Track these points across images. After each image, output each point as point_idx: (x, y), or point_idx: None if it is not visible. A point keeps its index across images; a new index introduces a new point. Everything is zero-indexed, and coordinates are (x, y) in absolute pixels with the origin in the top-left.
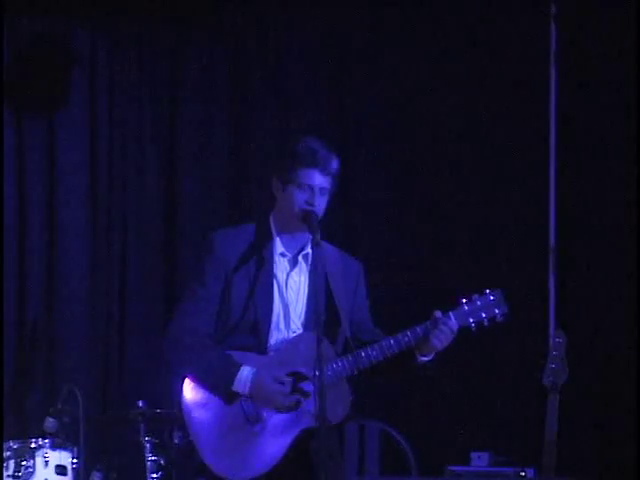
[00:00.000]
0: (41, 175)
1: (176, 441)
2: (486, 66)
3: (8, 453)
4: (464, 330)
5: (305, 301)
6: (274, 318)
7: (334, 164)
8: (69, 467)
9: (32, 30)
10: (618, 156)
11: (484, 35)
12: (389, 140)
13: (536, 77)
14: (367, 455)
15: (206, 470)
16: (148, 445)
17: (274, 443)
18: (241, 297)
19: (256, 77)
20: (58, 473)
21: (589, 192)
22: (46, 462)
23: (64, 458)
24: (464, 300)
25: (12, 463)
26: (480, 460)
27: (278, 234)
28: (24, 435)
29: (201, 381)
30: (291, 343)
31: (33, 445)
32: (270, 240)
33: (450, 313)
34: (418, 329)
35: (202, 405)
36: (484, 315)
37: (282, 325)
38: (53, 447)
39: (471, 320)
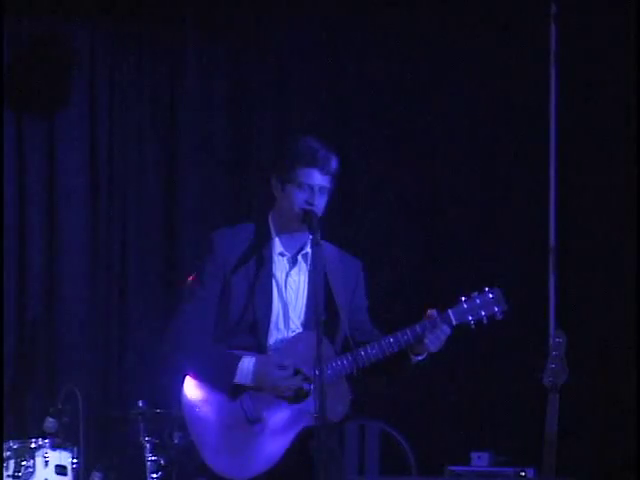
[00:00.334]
0: (41, 175)
1: (176, 441)
2: (486, 66)
3: (8, 453)
4: (464, 330)
5: (305, 301)
6: (273, 318)
7: (333, 163)
8: (69, 467)
9: (32, 30)
10: (618, 156)
11: (484, 35)
12: (389, 140)
13: (536, 77)
14: (367, 455)
15: (206, 470)
16: (148, 445)
17: (274, 442)
18: (240, 297)
19: (256, 77)
20: (58, 473)
21: (589, 192)
22: (46, 462)
23: (64, 458)
24: (463, 298)
25: (12, 463)
26: (480, 460)
27: (277, 234)
28: (24, 435)
29: (203, 378)
30: (290, 342)
31: (33, 445)
32: (269, 240)
33: (449, 311)
34: (417, 328)
35: (202, 405)
36: (483, 313)
37: (281, 325)
38: (53, 447)
39: (470, 318)
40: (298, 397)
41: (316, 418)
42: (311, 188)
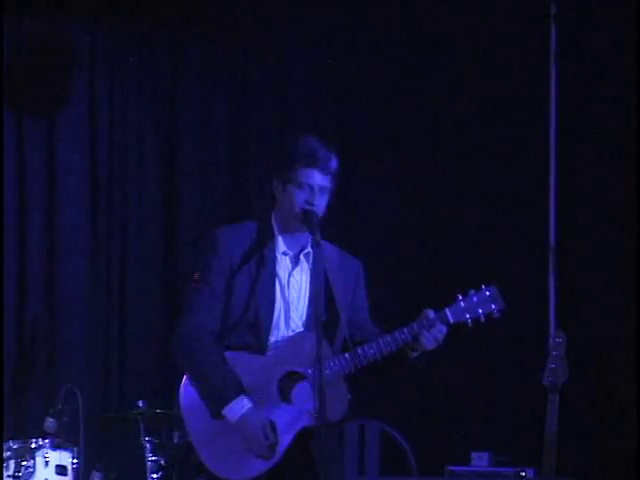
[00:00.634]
0: (41, 175)
1: (176, 441)
2: (486, 66)
3: (8, 453)
4: (464, 330)
5: (306, 300)
6: (275, 317)
7: (333, 163)
8: (69, 467)
9: (32, 30)
10: (618, 156)
11: (484, 35)
12: (389, 140)
13: (536, 77)
14: (367, 455)
15: (205, 470)
16: (148, 445)
17: None
18: (243, 295)
19: (256, 77)
20: (58, 473)
21: (589, 192)
22: (46, 462)
23: (64, 458)
24: (460, 296)
25: (12, 463)
26: (480, 460)
27: (280, 233)
28: (24, 435)
29: (198, 386)
30: (289, 342)
31: (33, 445)
32: (272, 239)
33: (446, 309)
34: (415, 326)
35: (200, 405)
36: (480, 311)
37: (282, 324)
38: (53, 447)
39: (467, 316)
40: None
41: (315, 418)
42: (311, 188)
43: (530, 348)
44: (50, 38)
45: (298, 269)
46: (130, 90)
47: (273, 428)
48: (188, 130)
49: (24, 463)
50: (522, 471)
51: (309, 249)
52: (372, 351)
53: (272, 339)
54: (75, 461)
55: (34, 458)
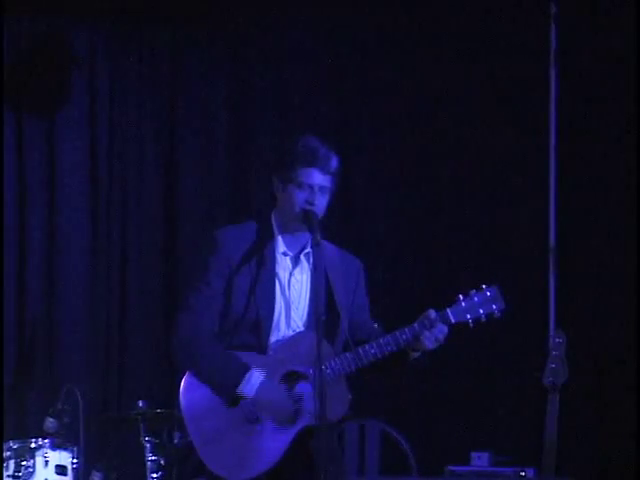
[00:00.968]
0: (41, 175)
1: (176, 441)
2: (486, 66)
3: (8, 453)
4: (465, 330)
5: (307, 300)
6: (275, 317)
7: (334, 163)
8: (69, 467)
9: (32, 30)
10: (618, 156)
11: (484, 35)
12: (389, 140)
13: (536, 77)
14: (367, 455)
15: (205, 470)
16: (148, 445)
17: (273, 442)
18: (243, 295)
19: (256, 77)
20: (58, 473)
21: (589, 192)
22: (46, 462)
23: (64, 458)
24: (461, 296)
25: (12, 463)
26: (480, 460)
27: (280, 233)
28: (24, 435)
29: (207, 381)
30: (289, 342)
31: (33, 445)
32: (272, 239)
33: (447, 309)
34: (416, 326)
35: (201, 405)
36: (482, 311)
37: (283, 324)
38: (53, 447)
39: (468, 316)
40: (287, 422)
41: (316, 418)
42: (311, 188)
43: (530, 348)
44: (50, 38)
45: (298, 269)
46: (130, 90)
47: (290, 394)
48: (188, 130)
49: (24, 463)
50: (522, 471)
51: (309, 249)
52: (373, 351)
53: (273, 339)
54: (75, 461)
55: (34, 458)
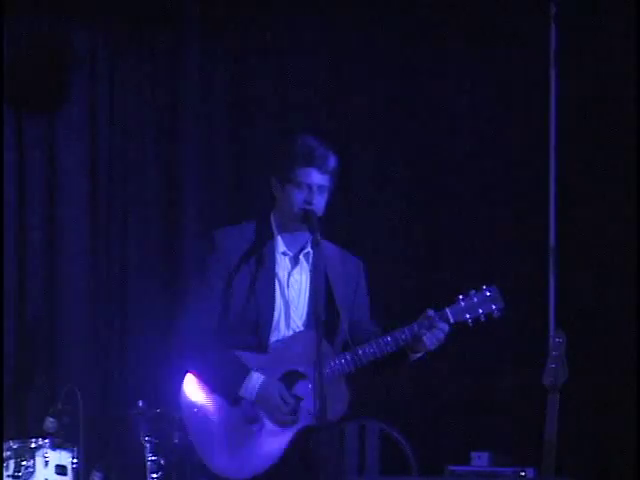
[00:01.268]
0: (41, 175)
1: (176, 441)
2: (486, 66)
3: (8, 453)
4: (465, 330)
5: (307, 300)
6: (275, 317)
7: (332, 162)
8: (69, 467)
9: (32, 30)
10: (618, 156)
11: (484, 35)
12: (389, 139)
13: (536, 77)
14: (367, 455)
15: (206, 470)
16: (148, 445)
17: (272, 442)
18: (242, 296)
19: (256, 77)
20: (58, 473)
21: (589, 192)
22: (46, 462)
23: (64, 458)
24: (461, 296)
25: (12, 463)
26: (480, 460)
27: (279, 233)
28: (24, 435)
29: (207, 383)
30: (289, 342)
31: (33, 445)
32: (271, 239)
33: (446, 309)
34: (415, 327)
35: (200, 405)
36: (481, 311)
37: (283, 324)
38: (53, 447)
39: (468, 316)
40: (286, 425)
41: (315, 417)
42: (310, 187)
43: (530, 348)
44: (50, 38)
45: (298, 269)
46: (130, 90)
47: (290, 394)
48: (188, 130)
49: (24, 463)
50: (522, 471)
51: (309, 249)
52: (372, 351)
53: (273, 339)
54: (75, 461)
55: (34, 458)
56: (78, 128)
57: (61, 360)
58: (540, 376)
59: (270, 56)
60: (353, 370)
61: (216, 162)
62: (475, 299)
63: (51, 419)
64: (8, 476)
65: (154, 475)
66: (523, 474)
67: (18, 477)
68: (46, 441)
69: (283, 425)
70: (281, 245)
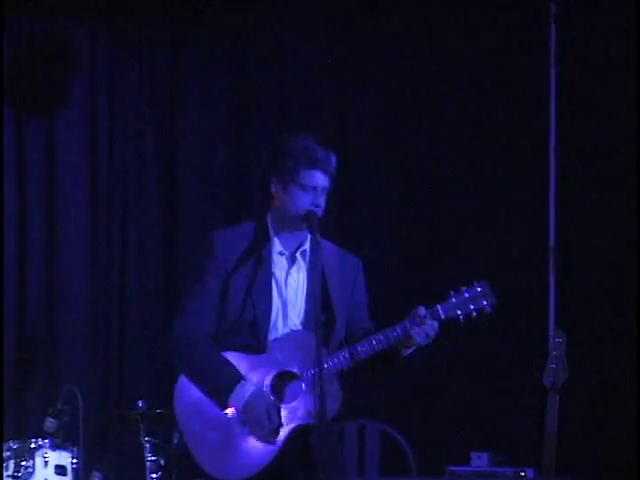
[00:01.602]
0: (41, 175)
1: (175, 441)
2: (486, 66)
3: (8, 453)
4: (464, 330)
5: (304, 299)
6: (273, 317)
7: (333, 163)
8: (69, 467)
9: (32, 30)
10: (618, 156)
11: (484, 35)
12: (389, 139)
13: (536, 77)
14: (367, 455)
15: (205, 470)
16: (148, 445)
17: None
18: (240, 296)
19: (256, 77)
20: (58, 473)
21: (589, 192)
22: (46, 462)
23: (64, 458)
24: (452, 292)
25: (12, 463)
26: (480, 460)
27: (276, 233)
28: (24, 435)
29: (199, 385)
30: (284, 341)
31: (33, 445)
32: (268, 239)
33: (437, 306)
34: (407, 323)
35: (195, 407)
36: (472, 307)
37: (280, 324)
38: (53, 447)
39: (459, 312)
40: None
41: (312, 416)
42: (315, 189)
43: (530, 348)
44: (50, 38)
45: (295, 268)
46: (130, 90)
47: (278, 411)
48: (188, 130)
49: (24, 463)
50: (522, 471)
51: (305, 247)
52: (365, 349)
53: (271, 338)
54: (75, 461)
55: (34, 458)
56: (78, 128)
57: (61, 360)
58: (540, 376)
59: (270, 56)
60: (347, 369)
61: (216, 162)
62: (466, 295)
63: (51, 419)
64: (8, 476)
65: (154, 475)
66: (523, 474)
67: (18, 477)
68: (46, 441)
69: (263, 441)
70: (277, 245)
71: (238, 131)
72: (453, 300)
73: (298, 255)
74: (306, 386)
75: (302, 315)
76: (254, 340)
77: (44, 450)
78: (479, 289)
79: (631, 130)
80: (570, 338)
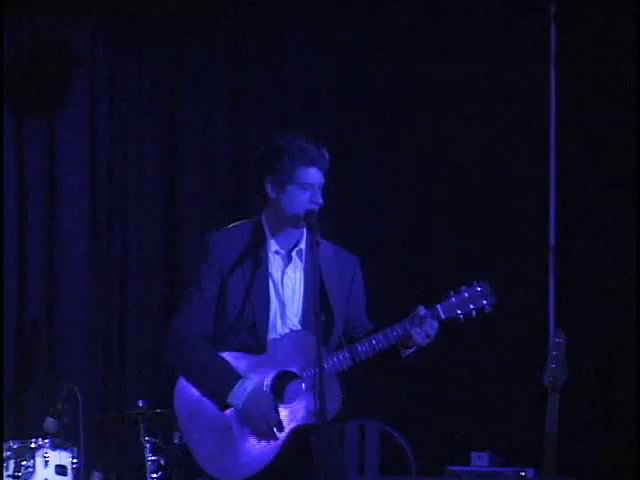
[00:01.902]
0: (41, 175)
1: (176, 441)
2: (486, 66)
3: (8, 453)
4: (464, 330)
5: (301, 298)
6: (271, 317)
7: (327, 158)
8: (69, 467)
9: (32, 30)
10: (618, 156)
11: (484, 35)
12: (389, 139)
13: (536, 77)
14: (367, 455)
15: (205, 470)
16: (148, 445)
17: (266, 443)
18: (238, 297)
19: (256, 77)
20: (58, 473)
21: (589, 192)
22: (46, 462)
23: (64, 458)
24: (452, 292)
25: (12, 463)
26: (480, 460)
27: (272, 233)
28: (24, 435)
29: (198, 386)
30: (283, 341)
31: (33, 445)
32: (264, 240)
33: (437, 306)
34: (407, 324)
35: (195, 407)
36: (472, 306)
37: (279, 323)
38: (53, 447)
39: (459, 312)
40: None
41: (313, 416)
42: (312, 187)
43: (530, 348)
44: (50, 38)
45: (291, 267)
46: (130, 90)
47: (276, 408)
48: (188, 130)
49: (24, 463)
50: (522, 471)
51: (301, 246)
52: (365, 348)
53: (270, 338)
54: (75, 461)
55: (34, 458)
56: (78, 128)
57: (61, 360)
58: (540, 376)
59: (270, 56)
60: (346, 368)
61: (216, 162)
62: (466, 294)
63: (51, 419)
64: (8, 476)
65: (154, 475)
66: (523, 474)
67: (18, 477)
68: (46, 441)
69: (262, 441)
70: (273, 245)
71: (238, 131)
72: (453, 300)
73: (294, 254)
74: (306, 386)
75: (300, 314)
76: (253, 340)
77: (44, 450)
78: (479, 289)
79: (631, 130)
80: (570, 338)
